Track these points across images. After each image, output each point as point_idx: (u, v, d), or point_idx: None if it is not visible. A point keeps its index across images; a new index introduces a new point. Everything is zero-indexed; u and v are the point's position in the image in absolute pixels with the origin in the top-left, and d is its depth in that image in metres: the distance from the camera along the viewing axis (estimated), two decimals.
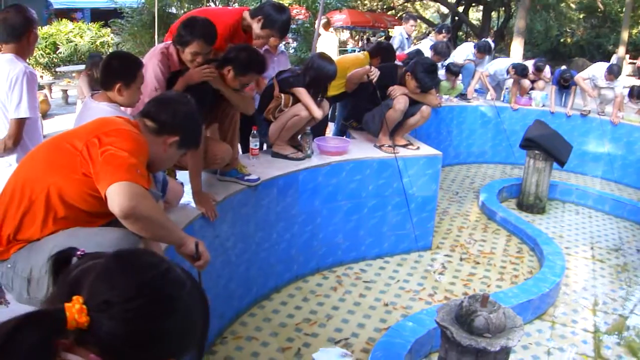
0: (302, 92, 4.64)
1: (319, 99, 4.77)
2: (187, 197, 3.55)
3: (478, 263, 5.52)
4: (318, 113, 4.65)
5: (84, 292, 1.21)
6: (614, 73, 8.51)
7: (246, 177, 4.05)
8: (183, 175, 3.65)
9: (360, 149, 5.23)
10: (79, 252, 1.32)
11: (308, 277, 4.87)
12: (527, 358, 4.07)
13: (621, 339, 4.45)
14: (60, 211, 2.28)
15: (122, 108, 3.12)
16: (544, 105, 9.15)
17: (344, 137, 5.62)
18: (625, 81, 9.15)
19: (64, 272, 1.28)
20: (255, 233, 4.18)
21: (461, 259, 5.57)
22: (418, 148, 5.44)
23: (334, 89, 5.62)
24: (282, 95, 4.67)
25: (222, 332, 3.93)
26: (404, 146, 5.41)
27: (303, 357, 3.80)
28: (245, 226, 4.01)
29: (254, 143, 4.55)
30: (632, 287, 5.33)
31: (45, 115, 10.50)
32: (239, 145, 4.41)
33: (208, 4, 14.63)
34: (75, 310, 1.16)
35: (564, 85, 9.21)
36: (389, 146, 5.25)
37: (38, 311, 1.17)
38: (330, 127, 7.16)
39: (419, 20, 25.08)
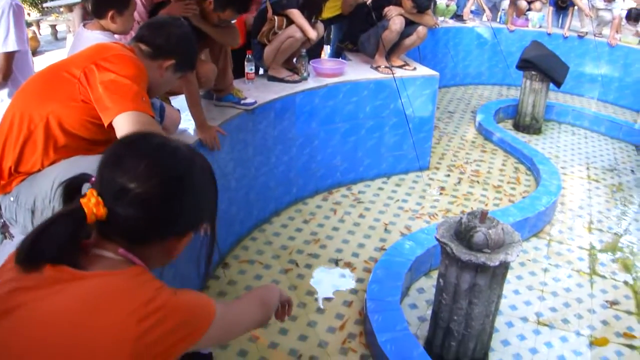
0: (295, 14, 4.57)
1: (313, 20, 4.71)
2: (185, 124, 3.54)
3: (475, 183, 5.57)
4: (312, 34, 4.59)
5: (97, 185, 1.26)
6: None
7: (243, 101, 4.03)
8: (178, 102, 3.64)
9: (356, 71, 5.19)
10: (92, 179, 1.33)
11: (307, 199, 4.91)
12: (525, 274, 4.15)
13: (616, 256, 4.53)
14: (61, 140, 2.26)
15: (116, 36, 3.08)
16: (540, 27, 9.02)
17: (340, 59, 5.57)
18: (624, 3, 9.00)
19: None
20: (253, 157, 4.19)
21: (459, 179, 5.61)
22: (415, 69, 5.40)
23: (329, 10, 5.54)
24: (276, 17, 4.59)
25: (224, 257, 3.98)
26: (401, 67, 5.37)
27: (305, 278, 3.87)
28: (243, 151, 4.02)
29: (249, 67, 4.50)
30: (627, 206, 5.40)
31: (34, 52, 10.29)
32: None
33: None
34: (92, 204, 1.21)
35: (561, 7, 9.08)
36: (386, 67, 5.21)
37: (58, 213, 1.22)
38: (326, 50, 7.08)
39: None
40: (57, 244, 1.20)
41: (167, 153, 1.31)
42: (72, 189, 1.34)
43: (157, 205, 1.26)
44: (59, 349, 1.11)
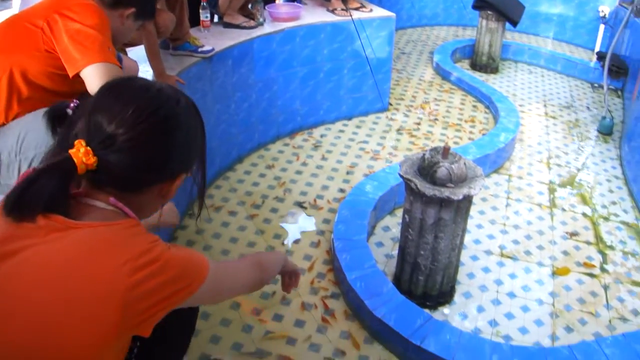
0: None
1: None
2: (143, 75, 3.48)
3: (435, 122, 5.60)
4: None
5: (84, 134, 1.23)
6: None
7: (200, 49, 3.96)
8: (133, 54, 3.56)
9: (312, 14, 5.13)
10: (72, 105, 1.33)
11: (269, 145, 4.89)
12: (487, 209, 4.23)
13: (574, 189, 4.64)
14: (25, 91, 2.21)
15: None
16: None
17: (296, 2, 5.50)
18: None
19: (63, 126, 1.32)
20: (213, 105, 4.15)
21: (418, 119, 5.64)
22: (371, 10, 5.35)
23: None
24: None
25: (189, 207, 3.97)
26: (357, 9, 5.31)
27: (271, 222, 3.88)
28: (202, 99, 3.97)
29: (204, 15, 4.42)
30: (584, 141, 5.50)
31: None
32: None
33: None
34: (82, 154, 1.19)
35: None
36: (342, 9, 5.16)
37: (47, 164, 1.20)
38: None
39: None
40: (47, 194, 1.18)
41: (152, 95, 1.30)
42: (55, 117, 1.36)
43: (147, 149, 1.26)
44: (54, 293, 1.12)
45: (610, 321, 3.38)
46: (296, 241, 3.72)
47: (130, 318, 1.16)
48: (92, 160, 1.19)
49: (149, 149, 1.26)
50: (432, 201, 2.90)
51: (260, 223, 3.86)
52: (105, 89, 1.31)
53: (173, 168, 1.34)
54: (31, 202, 1.18)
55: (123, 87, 1.31)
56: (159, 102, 1.29)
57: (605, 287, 3.63)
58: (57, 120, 1.36)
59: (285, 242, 3.71)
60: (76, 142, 1.21)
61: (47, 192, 1.18)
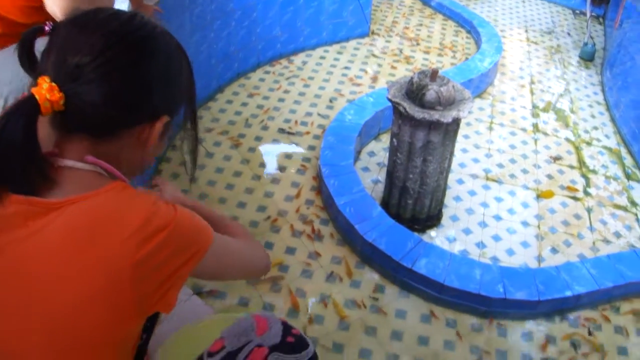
0: None
1: None
2: (119, 5, 3.35)
3: (417, 46, 5.54)
4: None
5: (48, 71, 1.05)
6: None
7: None
8: None
9: None
10: (46, 28, 1.13)
11: (250, 73, 4.80)
12: (471, 134, 4.23)
13: (557, 114, 4.64)
14: None
15: None
16: None
17: None
18: None
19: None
20: (192, 35, 4.04)
21: (400, 44, 5.57)
22: None
23: None
24: None
25: (172, 140, 3.91)
26: None
27: (256, 151, 3.84)
28: (180, 29, 3.85)
29: None
30: (565, 67, 5.48)
31: None
32: None
33: None
34: (45, 90, 1.00)
35: None
36: None
37: (5, 111, 1.02)
38: None
39: None
40: (11, 154, 1.00)
41: (124, 20, 1.11)
42: (27, 46, 1.13)
43: (121, 78, 1.07)
44: (58, 298, 1.00)
45: (594, 243, 3.43)
46: (282, 169, 3.69)
47: (146, 295, 1.04)
48: (57, 96, 1.00)
49: (123, 77, 1.07)
50: (421, 124, 2.88)
51: (245, 152, 3.82)
52: (69, 21, 1.12)
53: (153, 105, 1.14)
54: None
55: (89, 16, 1.12)
56: (132, 26, 1.11)
57: (589, 210, 3.67)
58: (31, 50, 1.13)
59: (271, 171, 3.68)
60: (39, 78, 1.02)
61: (11, 150, 1.00)
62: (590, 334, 2.90)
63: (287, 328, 1.28)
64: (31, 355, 1.01)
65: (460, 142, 4.07)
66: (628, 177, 4.06)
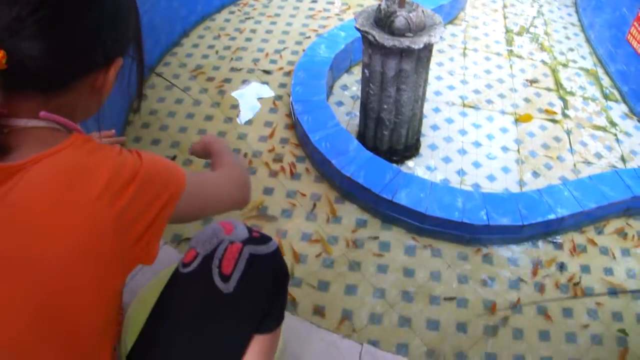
0: None
1: None
2: None
3: None
4: None
5: None
6: None
7: None
8: None
9: None
10: None
11: (214, 15, 4.64)
12: (445, 61, 4.15)
13: (531, 37, 4.55)
14: None
15: None
16: None
17: None
18: None
19: None
20: None
21: None
22: None
23: None
24: None
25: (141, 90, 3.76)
26: None
27: (226, 93, 3.73)
28: None
29: None
30: None
31: None
32: None
33: None
34: None
35: None
36: None
37: None
38: None
39: None
40: None
41: None
42: None
43: (67, 27, 0.96)
44: (30, 250, 0.92)
45: (575, 165, 3.39)
46: (254, 109, 3.59)
47: (129, 248, 0.99)
48: None
49: (69, 27, 0.96)
50: (392, 52, 2.78)
51: (215, 95, 3.71)
52: None
53: (105, 49, 1.04)
54: None
55: None
56: None
57: (568, 132, 3.62)
58: None
59: (243, 113, 3.57)
60: None
61: None
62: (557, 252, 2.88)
63: (248, 228, 1.28)
64: (17, 322, 0.93)
65: (434, 70, 3.99)
66: (606, 97, 4.01)
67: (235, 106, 3.61)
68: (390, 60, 2.81)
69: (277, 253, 1.32)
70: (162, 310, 1.23)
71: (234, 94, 3.72)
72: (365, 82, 3.00)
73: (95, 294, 0.98)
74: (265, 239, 1.29)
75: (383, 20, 2.79)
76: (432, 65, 4.01)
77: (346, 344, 2.00)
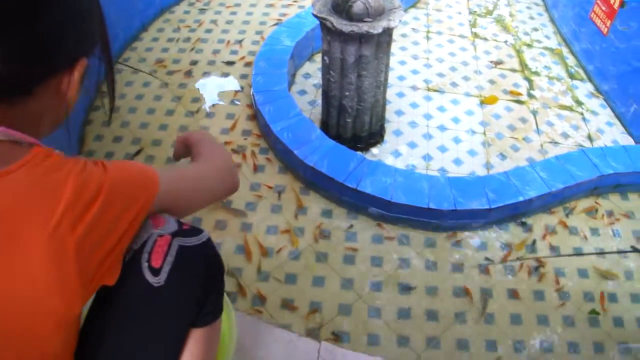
0: None
1: None
2: None
3: None
4: None
5: None
6: None
7: None
8: None
9: None
10: None
11: (173, 7, 4.54)
12: (408, 45, 4.11)
13: (495, 18, 4.52)
14: None
15: None
16: None
17: None
18: None
19: None
20: None
21: None
22: None
23: None
24: None
25: (98, 86, 3.68)
26: None
27: (187, 86, 3.65)
28: None
29: None
30: None
31: None
32: None
33: None
34: None
35: None
36: None
37: None
38: None
39: None
40: None
41: None
42: None
43: (25, 26, 0.87)
44: None
45: (542, 145, 3.37)
46: (215, 101, 3.52)
47: (92, 273, 0.92)
48: None
49: (25, 26, 0.87)
50: (350, 38, 2.72)
51: (176, 89, 3.63)
52: None
53: (67, 51, 0.96)
54: None
55: None
56: None
57: (534, 113, 3.60)
58: None
59: (204, 106, 3.50)
60: None
61: None
62: (525, 234, 2.86)
63: (179, 221, 1.21)
64: None
65: (397, 55, 3.94)
66: (571, 76, 3.99)
67: (196, 99, 3.54)
68: (350, 47, 2.76)
69: (209, 244, 1.25)
70: (94, 310, 1.17)
71: (196, 87, 3.65)
72: (326, 69, 2.95)
73: (54, 326, 0.90)
74: (196, 231, 1.22)
75: (341, 5, 2.73)
76: (395, 49, 3.97)
77: (304, 342, 1.95)
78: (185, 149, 1.49)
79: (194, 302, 1.22)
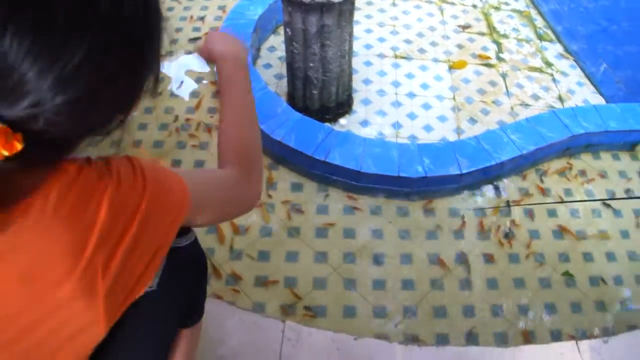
0: None
1: None
2: None
3: None
4: None
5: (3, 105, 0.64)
6: None
7: None
8: None
9: None
10: None
11: None
12: (373, 12, 4.04)
13: None
14: None
15: None
16: None
17: None
18: None
19: None
20: None
21: None
22: None
23: None
24: None
25: None
26: None
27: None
28: None
29: None
30: None
31: None
32: None
33: None
34: None
35: None
36: None
37: None
38: None
39: None
40: None
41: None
42: None
43: (111, 88, 0.75)
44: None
45: (512, 108, 3.34)
46: (179, 81, 3.44)
47: (115, 305, 0.83)
48: (16, 147, 0.64)
49: (113, 87, 0.74)
50: (311, 8, 2.66)
51: None
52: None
53: (139, 88, 0.84)
54: None
55: None
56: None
57: (504, 76, 3.57)
58: None
59: (169, 88, 3.42)
60: None
61: None
62: (498, 200, 2.83)
63: None
64: None
65: (363, 23, 3.88)
66: (540, 38, 3.96)
67: (160, 79, 3.46)
68: (311, 17, 2.69)
69: (196, 243, 1.24)
70: None
71: (160, 68, 3.56)
72: (289, 41, 2.88)
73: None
74: (183, 230, 1.18)
75: None
76: (361, 18, 3.91)
77: (268, 322, 1.93)
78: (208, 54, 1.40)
79: (185, 303, 1.20)
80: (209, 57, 1.44)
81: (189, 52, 3.46)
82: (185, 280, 1.21)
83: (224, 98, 1.25)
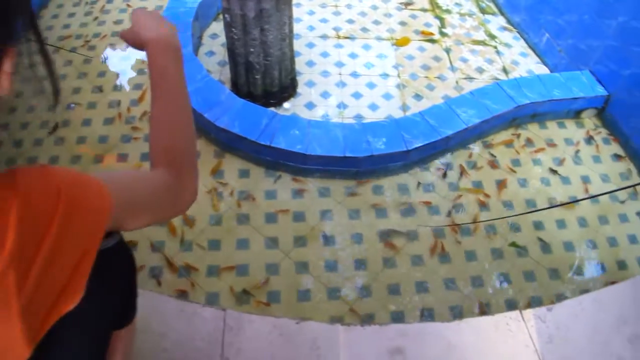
0: None
1: None
2: None
3: None
4: None
5: None
6: None
7: None
8: None
9: None
10: None
11: None
12: None
13: None
14: None
15: None
16: None
17: None
18: None
19: None
20: None
21: None
22: None
23: None
24: None
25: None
26: None
27: (92, 62, 3.50)
28: None
29: None
30: None
31: None
32: None
33: None
34: None
35: None
36: None
37: None
38: None
39: None
40: None
41: None
42: None
43: None
44: None
45: (457, 82, 3.36)
46: (122, 73, 3.39)
47: (37, 321, 0.77)
48: None
49: None
50: None
51: (81, 65, 3.48)
52: None
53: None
54: None
55: None
56: None
57: (447, 51, 3.58)
58: None
59: (112, 78, 3.37)
60: None
61: None
62: (445, 176, 2.86)
63: None
64: None
65: (305, 6, 3.86)
66: (483, 11, 3.98)
67: (102, 74, 3.40)
68: (249, 1, 2.67)
69: (122, 243, 1.18)
70: None
71: (101, 60, 3.50)
72: (228, 27, 2.85)
73: None
74: (109, 232, 1.07)
75: None
76: (303, 0, 3.89)
77: (209, 312, 1.92)
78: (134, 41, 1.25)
79: (119, 304, 1.18)
80: (137, 43, 1.25)
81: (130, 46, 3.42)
82: (117, 282, 1.17)
83: (154, 91, 1.17)
